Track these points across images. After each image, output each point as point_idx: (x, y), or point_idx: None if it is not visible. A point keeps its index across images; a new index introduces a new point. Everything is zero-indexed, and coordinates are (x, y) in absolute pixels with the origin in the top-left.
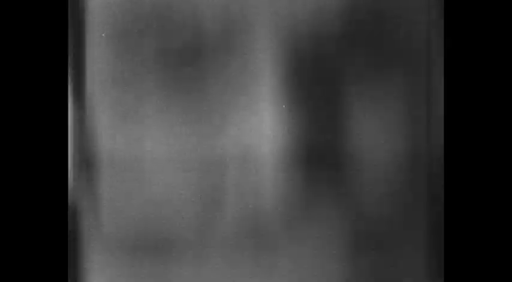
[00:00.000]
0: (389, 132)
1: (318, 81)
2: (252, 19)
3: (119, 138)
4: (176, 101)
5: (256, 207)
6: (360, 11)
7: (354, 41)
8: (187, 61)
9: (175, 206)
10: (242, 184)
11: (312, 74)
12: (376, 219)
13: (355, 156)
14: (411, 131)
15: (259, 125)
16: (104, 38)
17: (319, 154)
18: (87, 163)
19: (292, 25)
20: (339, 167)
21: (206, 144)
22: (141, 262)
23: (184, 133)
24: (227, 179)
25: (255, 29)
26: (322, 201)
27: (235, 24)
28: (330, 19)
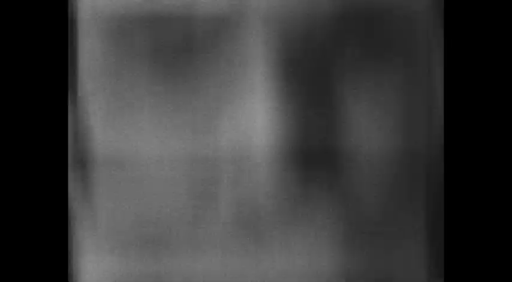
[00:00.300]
0: (387, 127)
1: (312, 74)
2: (243, 10)
3: (112, 136)
4: (168, 98)
5: (250, 201)
6: (356, 5)
7: (350, 33)
8: (179, 57)
9: (169, 202)
10: (236, 178)
11: (306, 66)
12: (373, 213)
13: (351, 151)
14: (409, 126)
15: (252, 119)
16: (96, 33)
17: (314, 149)
18: (81, 161)
19: (283, 17)
20: (334, 162)
21: (199, 141)
22: (136, 259)
23: (177, 130)
24: (221, 174)
25: (246, 21)
26: (316, 195)
27: (225, 18)
28: (324, 10)
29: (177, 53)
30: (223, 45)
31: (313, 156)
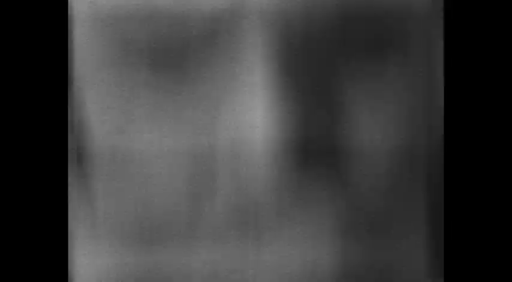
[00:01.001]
0: (387, 123)
1: (312, 70)
2: (242, 8)
3: (108, 130)
4: (166, 93)
5: (247, 198)
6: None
7: (350, 31)
8: (177, 52)
9: (167, 197)
10: (233, 175)
11: (305, 62)
12: (372, 211)
13: (351, 148)
14: (410, 122)
15: (251, 115)
16: (93, 29)
17: (313, 142)
18: (79, 156)
19: (283, 14)
20: (334, 158)
21: (198, 136)
22: (133, 251)
23: (176, 124)
24: (219, 170)
25: (245, 18)
26: (315, 192)
27: (224, 16)
28: (324, 8)
29: (176, 48)
30: (222, 43)
31: (313, 151)
